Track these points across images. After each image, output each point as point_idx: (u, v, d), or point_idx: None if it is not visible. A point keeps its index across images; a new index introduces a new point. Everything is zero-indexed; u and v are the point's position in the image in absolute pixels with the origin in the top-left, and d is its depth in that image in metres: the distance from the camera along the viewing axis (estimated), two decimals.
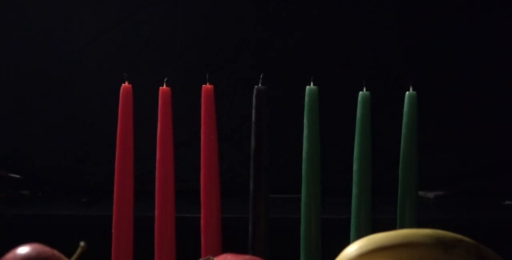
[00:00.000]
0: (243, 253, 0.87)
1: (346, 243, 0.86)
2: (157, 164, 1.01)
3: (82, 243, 0.80)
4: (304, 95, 1.00)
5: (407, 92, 1.00)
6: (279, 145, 1.78)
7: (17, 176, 1.83)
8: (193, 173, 1.08)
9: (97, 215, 1.58)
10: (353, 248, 0.82)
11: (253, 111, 1.00)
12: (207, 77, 1.01)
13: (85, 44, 1.86)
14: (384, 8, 1.86)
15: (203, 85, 1.01)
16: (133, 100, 1.01)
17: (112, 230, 1.00)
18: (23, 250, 0.78)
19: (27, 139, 1.87)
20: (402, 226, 0.99)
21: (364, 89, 1.00)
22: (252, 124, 1.00)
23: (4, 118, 1.87)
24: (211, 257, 0.84)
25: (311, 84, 1.00)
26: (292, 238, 1.04)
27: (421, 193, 1.71)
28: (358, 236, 0.95)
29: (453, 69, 1.87)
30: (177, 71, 1.85)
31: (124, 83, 1.00)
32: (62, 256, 0.80)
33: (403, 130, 1.00)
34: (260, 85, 1.00)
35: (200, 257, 0.98)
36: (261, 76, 1.00)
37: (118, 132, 1.00)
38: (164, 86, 1.01)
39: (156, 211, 1.01)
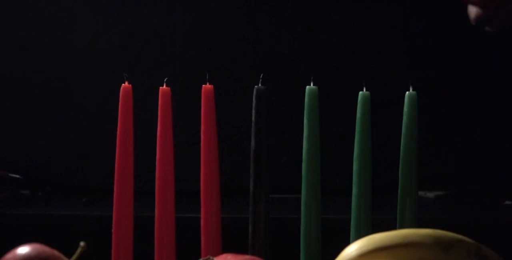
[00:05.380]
0: (243, 253, 0.87)
1: (346, 243, 0.86)
2: (157, 164, 1.01)
3: (82, 243, 0.80)
4: (304, 95, 1.00)
5: (407, 92, 1.00)
6: (279, 145, 1.78)
7: (17, 176, 1.83)
8: (193, 173, 1.08)
9: (97, 215, 1.58)
10: (353, 248, 0.82)
11: (253, 111, 1.00)
12: (207, 77, 1.01)
13: (85, 44, 1.86)
14: (384, 8, 1.86)
15: (203, 85, 1.01)
16: (133, 100, 1.01)
17: (112, 230, 1.00)
18: (23, 250, 0.78)
19: (27, 139, 1.87)
20: (402, 226, 0.99)
21: (364, 89, 1.00)
22: (252, 124, 1.00)
23: (4, 118, 1.87)
24: (211, 257, 0.84)
25: (311, 84, 1.00)
26: (292, 238, 1.04)
27: (421, 193, 1.71)
28: (358, 236, 0.95)
29: (453, 69, 1.86)
30: (177, 71, 1.85)
31: (124, 83, 1.01)
32: (62, 256, 0.80)
33: (403, 130, 1.00)
34: (260, 85, 1.00)
35: (200, 257, 0.98)
36: (261, 76, 1.00)
37: (118, 132, 1.00)
38: (164, 86, 1.01)
39: (156, 211, 1.01)
